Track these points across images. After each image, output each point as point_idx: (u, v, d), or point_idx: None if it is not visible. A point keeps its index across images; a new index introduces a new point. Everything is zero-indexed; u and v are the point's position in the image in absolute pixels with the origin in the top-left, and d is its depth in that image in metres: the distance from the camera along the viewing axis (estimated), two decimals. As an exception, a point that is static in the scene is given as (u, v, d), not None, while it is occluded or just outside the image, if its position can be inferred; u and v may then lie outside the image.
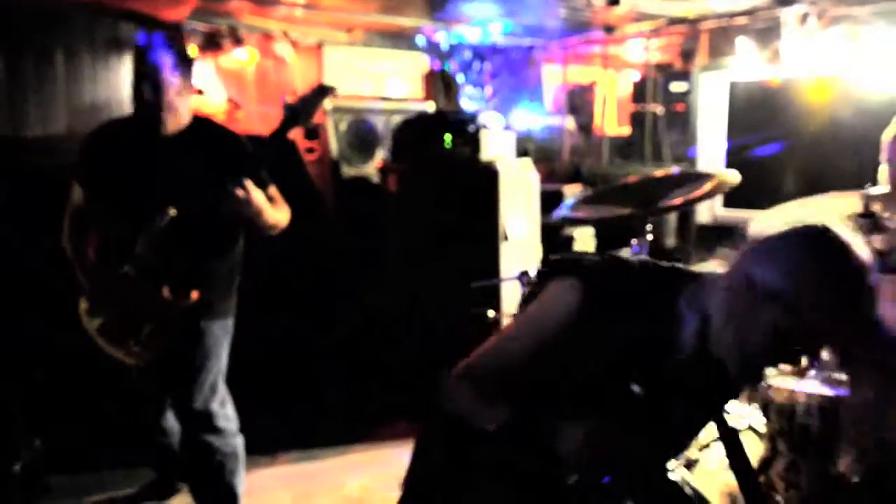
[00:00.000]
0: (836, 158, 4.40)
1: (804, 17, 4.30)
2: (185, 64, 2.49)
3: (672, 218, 5.11)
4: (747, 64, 4.78)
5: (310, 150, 4.47)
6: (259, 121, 4.57)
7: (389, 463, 3.49)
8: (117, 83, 3.78)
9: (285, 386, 3.83)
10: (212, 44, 4.59)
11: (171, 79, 2.43)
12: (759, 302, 1.19)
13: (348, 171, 4.54)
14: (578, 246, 4.55)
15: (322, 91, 2.42)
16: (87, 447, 3.38)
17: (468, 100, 5.99)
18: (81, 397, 3.43)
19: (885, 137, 2.33)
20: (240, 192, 2.39)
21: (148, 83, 2.42)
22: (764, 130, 5.11)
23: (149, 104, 2.44)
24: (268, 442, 3.40)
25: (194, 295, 2.48)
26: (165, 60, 2.42)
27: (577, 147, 6.18)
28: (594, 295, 1.31)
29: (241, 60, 4.69)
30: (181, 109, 2.51)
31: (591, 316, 1.30)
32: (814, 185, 4.86)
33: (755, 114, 5.10)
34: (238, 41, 4.63)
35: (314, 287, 4.12)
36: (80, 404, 3.42)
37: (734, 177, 2.58)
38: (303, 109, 2.38)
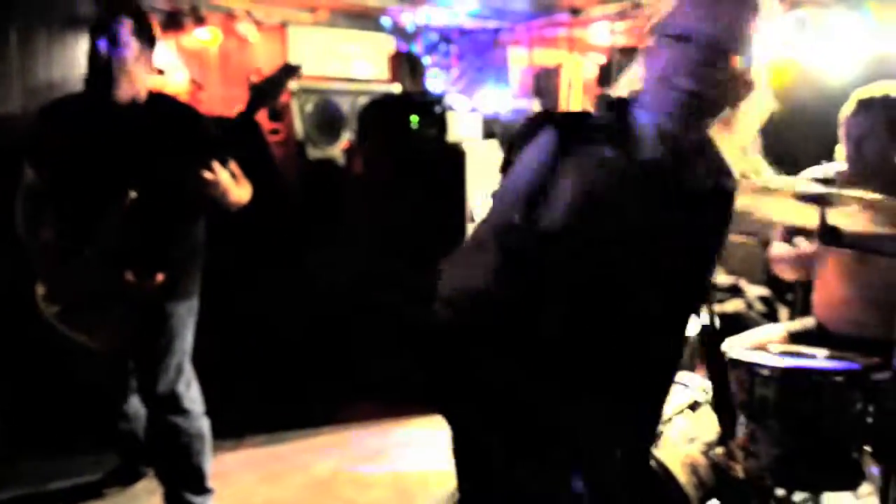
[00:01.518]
0: (797, 140, 4.47)
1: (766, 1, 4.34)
2: (145, 35, 2.46)
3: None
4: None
5: (274, 132, 4.41)
6: (222, 102, 4.49)
7: (356, 444, 3.51)
8: (73, 61, 3.68)
9: (250, 368, 3.81)
10: (173, 23, 4.49)
11: (130, 42, 2.40)
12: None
13: (314, 152, 4.50)
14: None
15: (287, 70, 2.39)
16: (50, 434, 3.33)
17: (434, 81, 5.97)
18: (44, 383, 3.37)
19: (843, 115, 2.38)
20: (208, 175, 2.37)
21: (104, 45, 2.38)
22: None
23: (104, 68, 2.39)
24: (234, 425, 3.39)
25: (159, 278, 2.45)
26: (125, 26, 2.39)
27: (544, 130, 6.19)
28: (566, 127, 1.27)
29: (203, 40, 4.60)
30: (138, 79, 2.46)
31: (571, 144, 1.24)
32: (775, 166, 4.96)
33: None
34: (200, 20, 4.54)
35: (278, 269, 4.09)
36: (43, 390, 3.36)
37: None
38: (269, 89, 2.35)
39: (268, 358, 3.89)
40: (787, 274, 2.52)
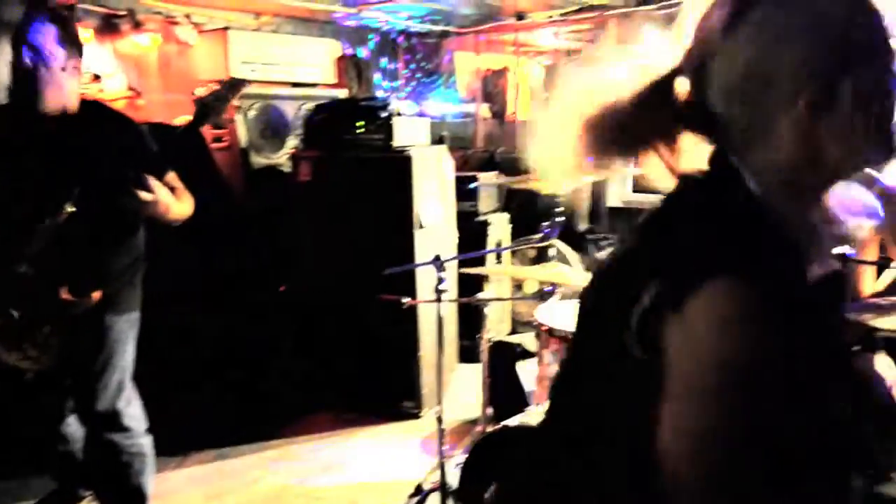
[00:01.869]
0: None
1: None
2: (71, 41, 2.34)
3: (584, 202, 5.22)
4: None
5: (217, 140, 4.31)
6: (162, 108, 4.37)
7: (305, 457, 3.44)
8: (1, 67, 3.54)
9: (196, 382, 3.71)
10: (109, 27, 4.36)
11: (55, 51, 2.27)
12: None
13: (258, 160, 4.41)
14: (494, 231, 4.56)
15: (233, 85, 2.35)
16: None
17: (381, 86, 5.94)
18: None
19: None
20: (145, 196, 2.29)
21: (28, 56, 2.25)
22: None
23: (28, 80, 2.26)
24: (178, 441, 3.29)
25: (96, 295, 2.37)
26: (48, 33, 2.26)
27: (492, 134, 6.22)
28: (752, 274, 0.87)
29: (141, 45, 4.47)
30: (66, 89, 2.35)
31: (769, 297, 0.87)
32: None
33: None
34: (137, 25, 4.41)
35: (224, 279, 4.00)
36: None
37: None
38: (213, 105, 2.30)
39: (214, 370, 3.79)
40: None
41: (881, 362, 2.00)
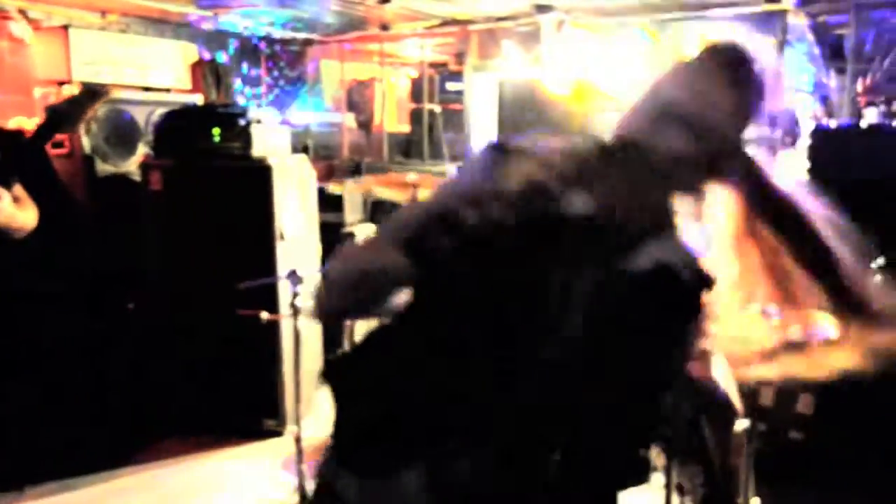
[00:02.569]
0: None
1: (560, 24, 4.62)
2: None
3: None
4: (513, 65, 5.05)
5: (58, 145, 3.99)
6: (-8, 111, 4.00)
7: (158, 485, 3.24)
8: None
9: (35, 407, 3.40)
10: (-72, 20, 3.95)
11: None
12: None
13: (104, 168, 4.13)
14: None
15: (91, 94, 2.18)
16: None
17: (241, 93, 5.74)
18: None
19: None
20: None
21: None
22: (531, 129, 5.43)
23: None
24: (13, 473, 3.01)
25: None
26: None
27: (357, 144, 6.17)
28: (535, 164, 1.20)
29: (-33, 41, 4.08)
30: None
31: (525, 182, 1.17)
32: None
33: (522, 113, 5.41)
34: (-37, 18, 4.03)
35: (67, 296, 3.70)
36: None
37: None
38: (68, 113, 2.12)
39: (55, 394, 3.49)
40: None
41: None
